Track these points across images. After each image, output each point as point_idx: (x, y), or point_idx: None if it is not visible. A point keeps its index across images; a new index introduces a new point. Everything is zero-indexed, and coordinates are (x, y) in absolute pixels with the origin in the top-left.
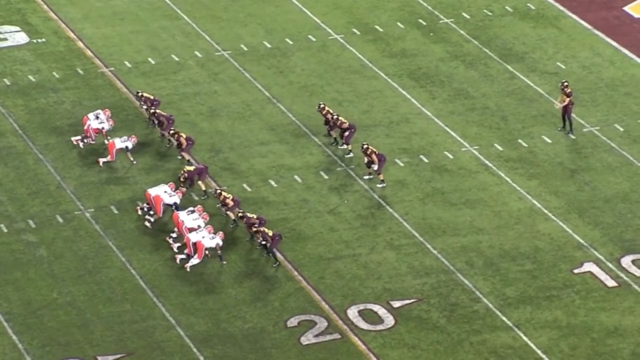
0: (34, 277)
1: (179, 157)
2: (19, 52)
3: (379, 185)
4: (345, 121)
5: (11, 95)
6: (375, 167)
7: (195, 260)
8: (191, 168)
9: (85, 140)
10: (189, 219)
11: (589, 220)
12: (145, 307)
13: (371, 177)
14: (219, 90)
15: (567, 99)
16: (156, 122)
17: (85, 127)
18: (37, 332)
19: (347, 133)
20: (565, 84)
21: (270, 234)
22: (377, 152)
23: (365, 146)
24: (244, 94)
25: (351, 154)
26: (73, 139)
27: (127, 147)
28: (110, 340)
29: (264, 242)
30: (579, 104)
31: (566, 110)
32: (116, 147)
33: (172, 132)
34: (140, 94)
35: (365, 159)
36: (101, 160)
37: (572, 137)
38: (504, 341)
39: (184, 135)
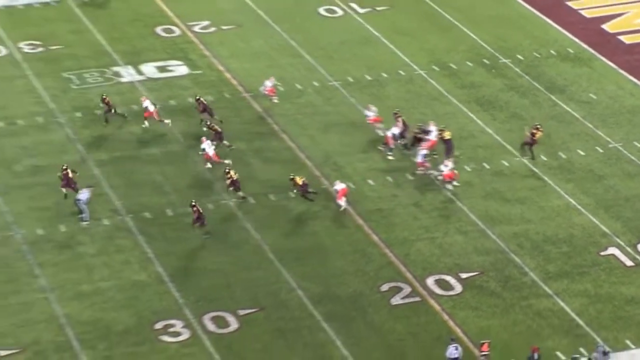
0: (190, 249)
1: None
2: (182, 81)
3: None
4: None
5: (176, 113)
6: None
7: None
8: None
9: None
10: None
11: (613, 215)
12: (274, 274)
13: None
14: (330, 111)
15: (536, 135)
16: (203, 110)
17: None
18: (193, 290)
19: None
20: (537, 125)
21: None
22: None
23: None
24: (350, 115)
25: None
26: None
27: None
28: (247, 298)
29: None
30: (606, 125)
31: (531, 142)
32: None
33: (208, 123)
34: (198, 97)
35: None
36: None
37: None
38: (545, 305)
39: (218, 128)
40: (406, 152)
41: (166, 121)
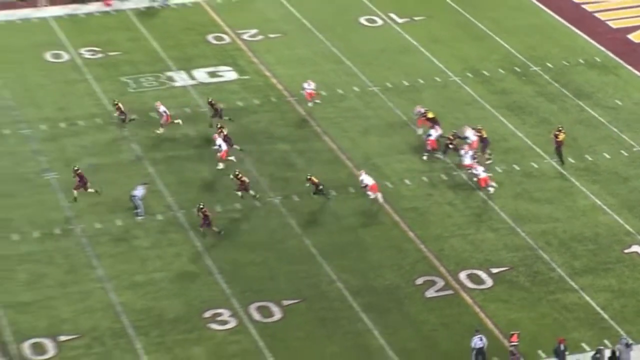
0: (237, 243)
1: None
2: (231, 85)
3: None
4: (451, 137)
5: (225, 115)
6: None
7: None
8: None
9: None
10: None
11: (636, 214)
12: (315, 267)
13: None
14: (370, 115)
15: (558, 137)
16: (214, 112)
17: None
18: (239, 282)
19: (483, 143)
20: (560, 128)
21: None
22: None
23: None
24: (388, 118)
25: (490, 160)
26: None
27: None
28: (291, 289)
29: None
30: (631, 130)
31: (559, 146)
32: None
33: (218, 126)
34: (210, 100)
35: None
36: None
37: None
38: (571, 300)
39: (225, 133)
40: (440, 156)
41: (160, 130)
